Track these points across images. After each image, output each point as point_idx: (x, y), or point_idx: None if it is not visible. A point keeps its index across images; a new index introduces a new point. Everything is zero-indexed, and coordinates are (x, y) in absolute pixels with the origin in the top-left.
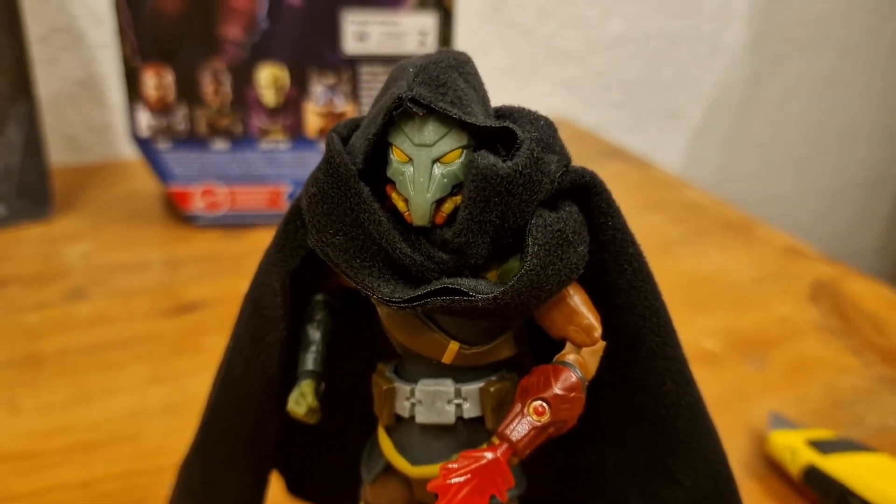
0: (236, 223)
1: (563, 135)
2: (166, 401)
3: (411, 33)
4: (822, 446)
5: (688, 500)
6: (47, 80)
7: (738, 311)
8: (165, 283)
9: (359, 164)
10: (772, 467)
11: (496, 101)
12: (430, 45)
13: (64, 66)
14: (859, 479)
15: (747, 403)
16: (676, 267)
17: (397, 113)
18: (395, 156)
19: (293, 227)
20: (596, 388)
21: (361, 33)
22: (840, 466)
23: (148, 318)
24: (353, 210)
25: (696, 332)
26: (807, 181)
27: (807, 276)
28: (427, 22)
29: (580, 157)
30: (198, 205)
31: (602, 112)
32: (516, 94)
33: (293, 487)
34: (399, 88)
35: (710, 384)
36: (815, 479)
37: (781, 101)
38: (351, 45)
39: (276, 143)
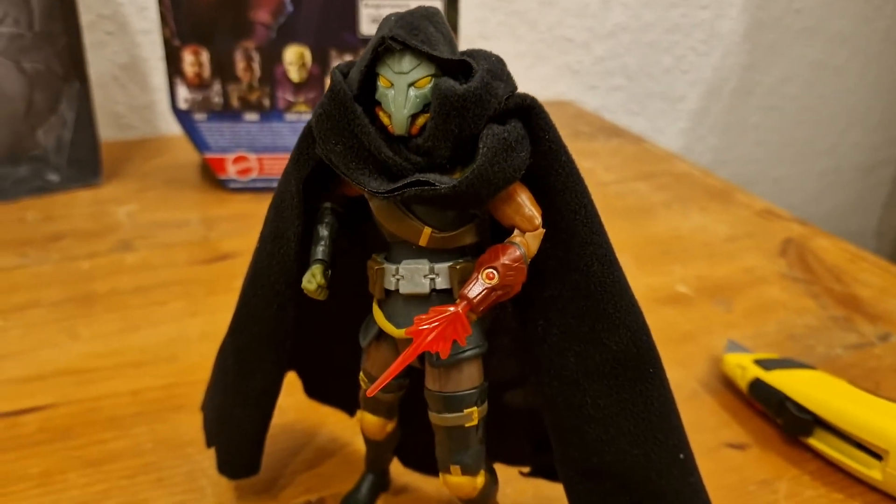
0: (265, 187)
1: (567, 115)
2: (202, 330)
3: None
4: (766, 364)
5: (615, 361)
6: (95, 63)
7: (712, 262)
8: (202, 237)
9: (354, 91)
10: (726, 384)
11: None
12: None
13: (110, 49)
14: (794, 388)
15: (711, 336)
16: (658, 226)
17: (381, 49)
18: (380, 82)
19: (305, 143)
20: (541, 272)
21: (376, 16)
22: (780, 379)
23: (186, 266)
24: (350, 124)
25: (672, 279)
26: (803, 164)
27: (779, 235)
28: (435, 5)
29: (581, 134)
30: (231, 171)
31: (604, 96)
32: (523, 77)
33: (310, 390)
34: (383, 31)
35: (680, 321)
36: (758, 390)
37: (777, 86)
38: (366, 27)
39: (301, 114)
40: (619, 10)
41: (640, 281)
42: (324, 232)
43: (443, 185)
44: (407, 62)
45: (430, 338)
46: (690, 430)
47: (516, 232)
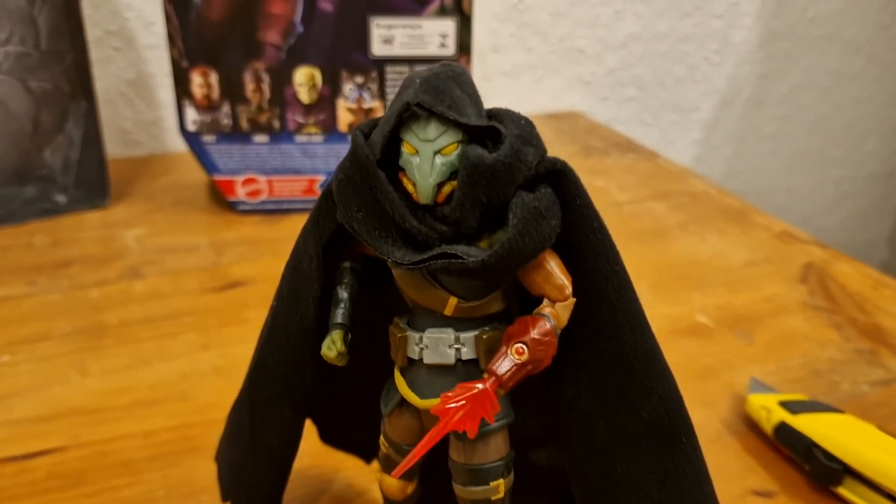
0: (275, 209)
1: (578, 129)
2: (214, 364)
3: (433, 36)
4: (793, 406)
5: (646, 430)
6: (101, 79)
7: (732, 289)
8: (212, 263)
9: (377, 156)
10: (750, 426)
11: (514, 95)
12: (451, 47)
13: (117, 65)
14: (822, 434)
15: (733, 372)
16: (675, 250)
17: (406, 115)
18: (405, 149)
19: (326, 205)
20: (570, 338)
21: (387, 37)
22: (807, 424)
23: (196, 294)
24: (373, 191)
25: (690, 308)
26: (816, 174)
27: (799, 259)
28: (447, 26)
29: (593, 149)
30: (240, 193)
31: (616, 107)
32: (535, 89)
33: (325, 437)
34: (408, 96)
35: (700, 354)
36: (785, 435)
37: (791, 95)
38: (378, 47)
39: (311, 136)
40: (632, 20)
41: (658, 311)
42: (343, 294)
43: (472, 259)
44: (433, 129)
45: (457, 417)
46: (714, 475)
47: (546, 302)
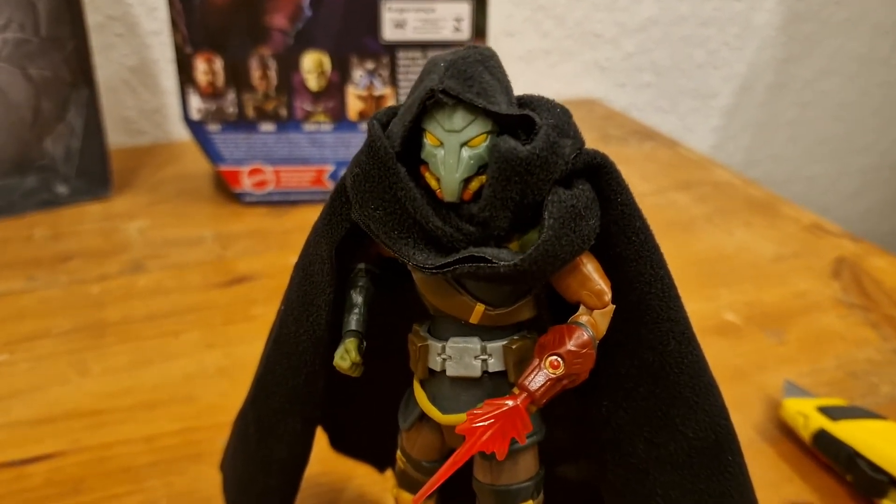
0: (282, 201)
1: (596, 115)
2: (219, 364)
3: (447, 20)
4: (832, 412)
5: (690, 449)
6: (104, 66)
7: (760, 285)
8: (217, 256)
9: (396, 148)
10: (785, 432)
11: (529, 81)
12: (465, 31)
13: (119, 52)
14: (866, 442)
15: (765, 373)
16: (701, 243)
17: (430, 103)
18: (428, 140)
19: (339, 202)
20: (608, 347)
21: (399, 21)
22: (848, 431)
23: (201, 290)
24: (392, 188)
25: (718, 305)
26: (839, 162)
27: (831, 253)
28: (462, 9)
29: (611, 138)
30: (246, 184)
31: (634, 93)
32: (549, 75)
33: (336, 444)
34: (431, 81)
35: (730, 355)
36: (824, 443)
37: (814, 81)
38: (389, 32)
39: (320, 125)
40: (650, 3)
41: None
42: (358, 298)
43: (502, 263)
44: (459, 118)
45: (485, 437)
46: None
47: (582, 309)
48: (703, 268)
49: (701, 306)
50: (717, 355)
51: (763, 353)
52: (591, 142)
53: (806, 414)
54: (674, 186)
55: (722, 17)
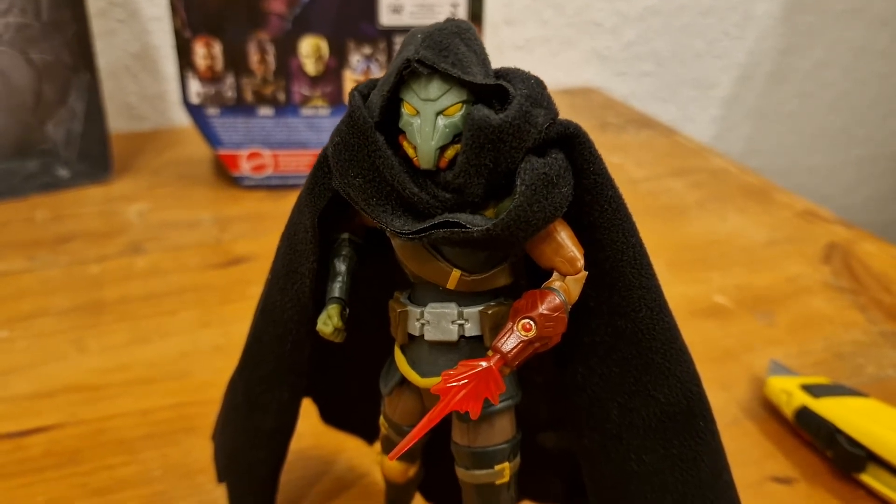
0: (280, 184)
1: (594, 104)
2: (214, 343)
3: (443, 5)
4: (815, 390)
5: (662, 414)
6: (105, 52)
7: (752, 269)
8: (215, 239)
9: (375, 118)
10: (770, 410)
11: (528, 69)
12: (462, 17)
13: (121, 37)
14: (846, 419)
15: (752, 354)
16: (693, 228)
17: (406, 72)
18: (405, 109)
19: (321, 172)
20: (582, 314)
21: (396, 6)
22: (830, 408)
23: (198, 270)
24: (371, 156)
25: (709, 288)
26: (838, 153)
27: (822, 239)
28: None
29: (609, 126)
30: (244, 167)
31: (633, 83)
32: (549, 63)
33: (326, 416)
34: (408, 52)
35: (719, 336)
36: (806, 420)
37: (813, 71)
38: (386, 17)
39: (317, 109)
40: None
41: (675, 290)
42: (341, 266)
43: (476, 228)
44: (435, 88)
45: (459, 396)
46: (732, 461)
47: (556, 275)
48: (695, 252)
49: (692, 289)
50: (707, 336)
51: (752, 335)
52: (588, 129)
53: (789, 391)
54: (669, 173)
55: (722, 7)
